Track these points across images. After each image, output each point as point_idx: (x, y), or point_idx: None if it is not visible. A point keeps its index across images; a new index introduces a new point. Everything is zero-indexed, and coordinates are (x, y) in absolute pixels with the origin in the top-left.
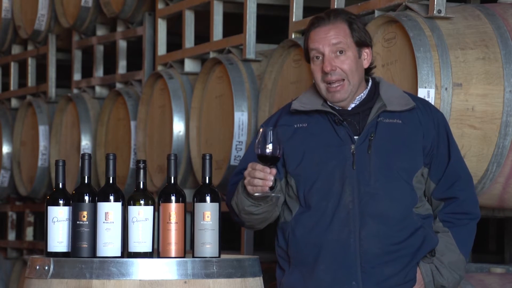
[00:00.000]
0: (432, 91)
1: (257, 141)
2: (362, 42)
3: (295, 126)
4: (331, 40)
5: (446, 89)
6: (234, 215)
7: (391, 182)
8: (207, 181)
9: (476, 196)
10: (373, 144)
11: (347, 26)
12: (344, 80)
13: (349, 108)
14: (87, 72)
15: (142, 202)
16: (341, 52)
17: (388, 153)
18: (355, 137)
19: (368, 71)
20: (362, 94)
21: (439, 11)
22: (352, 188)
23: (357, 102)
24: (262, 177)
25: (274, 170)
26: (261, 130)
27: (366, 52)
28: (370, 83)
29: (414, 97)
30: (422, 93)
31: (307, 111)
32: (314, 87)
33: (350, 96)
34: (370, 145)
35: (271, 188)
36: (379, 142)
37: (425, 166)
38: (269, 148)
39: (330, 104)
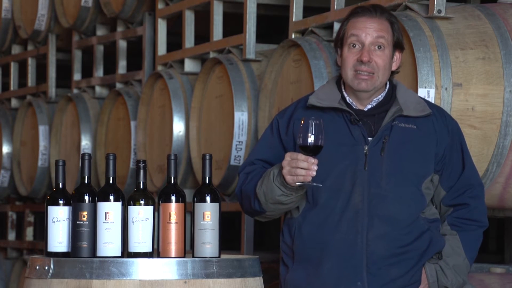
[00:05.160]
0: (432, 91)
1: (299, 131)
2: (399, 44)
3: None
4: (374, 32)
5: (446, 89)
6: (254, 203)
7: (402, 186)
8: (207, 181)
9: (485, 206)
10: (386, 147)
11: (390, 25)
12: (374, 74)
13: (365, 109)
14: (87, 72)
15: (142, 202)
16: (379, 47)
17: (400, 157)
18: (369, 138)
19: (390, 75)
20: (379, 96)
21: (439, 11)
22: (363, 188)
23: (374, 104)
24: (305, 167)
25: (316, 160)
26: (302, 121)
27: (397, 55)
28: (387, 86)
29: (430, 103)
30: (422, 93)
31: (323, 108)
32: (332, 81)
33: (373, 91)
34: (384, 148)
35: None
36: (392, 146)
37: (435, 172)
38: (311, 138)
39: (348, 102)
